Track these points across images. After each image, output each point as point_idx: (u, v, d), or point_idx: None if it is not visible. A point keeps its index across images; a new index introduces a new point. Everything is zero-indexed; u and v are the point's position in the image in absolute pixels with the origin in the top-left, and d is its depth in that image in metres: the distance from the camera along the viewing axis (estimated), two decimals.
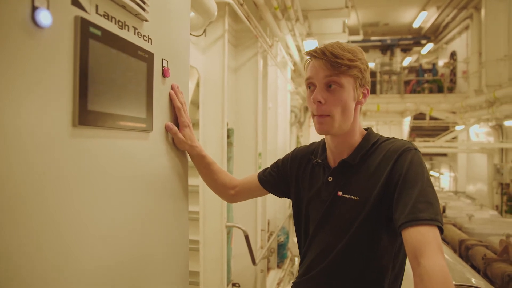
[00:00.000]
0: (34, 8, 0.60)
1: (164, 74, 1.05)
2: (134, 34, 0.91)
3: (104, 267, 0.80)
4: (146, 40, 0.96)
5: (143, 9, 0.92)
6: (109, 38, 0.79)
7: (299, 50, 5.10)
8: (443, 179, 12.74)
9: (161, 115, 1.05)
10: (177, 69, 1.15)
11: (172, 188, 1.13)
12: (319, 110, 0.99)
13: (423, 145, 8.70)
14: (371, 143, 1.06)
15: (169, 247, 1.11)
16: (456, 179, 11.66)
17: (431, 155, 13.28)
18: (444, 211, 4.38)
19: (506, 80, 8.05)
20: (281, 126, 4.92)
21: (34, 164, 0.62)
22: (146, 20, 0.95)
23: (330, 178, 1.07)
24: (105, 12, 0.80)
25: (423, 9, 11.60)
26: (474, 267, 3.08)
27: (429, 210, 0.85)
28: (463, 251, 3.27)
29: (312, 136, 13.87)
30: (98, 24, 0.76)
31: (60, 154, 0.67)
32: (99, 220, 0.78)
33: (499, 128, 8.46)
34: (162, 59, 1.05)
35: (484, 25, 9.09)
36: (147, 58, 0.95)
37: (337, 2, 4.01)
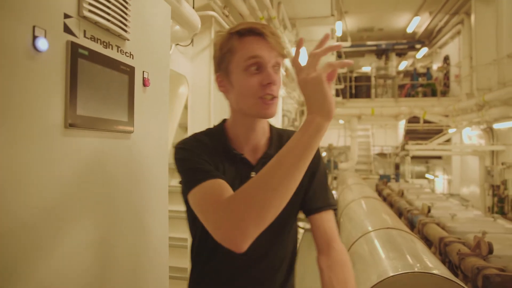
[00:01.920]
0: (34, 37, 0.79)
1: (145, 83, 1.24)
2: (117, 51, 1.10)
3: (86, 247, 0.98)
4: (128, 56, 1.15)
5: (125, 31, 1.11)
6: (95, 57, 0.98)
7: (290, 56, 5.29)
8: (437, 182, 12.90)
9: (142, 118, 1.23)
10: (158, 79, 1.34)
11: (152, 184, 1.32)
12: (275, 91, 0.90)
13: (415, 148, 8.87)
14: (278, 132, 1.06)
15: (148, 241, 1.29)
16: (451, 181, 11.82)
17: (426, 158, 13.44)
18: (429, 211, 4.54)
19: (495, 84, 8.24)
20: None
21: (34, 154, 0.80)
22: (128, 39, 1.14)
23: (253, 174, 0.96)
24: (91, 35, 0.99)
25: (416, 14, 11.84)
26: (451, 262, 3.25)
27: (333, 197, 1.03)
28: (442, 247, 3.44)
29: None
30: (86, 46, 0.95)
31: (54, 148, 0.86)
32: (85, 204, 0.96)
33: (489, 131, 8.64)
34: (143, 71, 1.24)
35: (474, 30, 9.31)
36: (129, 71, 1.14)
37: (323, 10, 4.21)
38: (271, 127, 1.05)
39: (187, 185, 0.85)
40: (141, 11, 1.23)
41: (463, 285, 1.81)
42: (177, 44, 2.40)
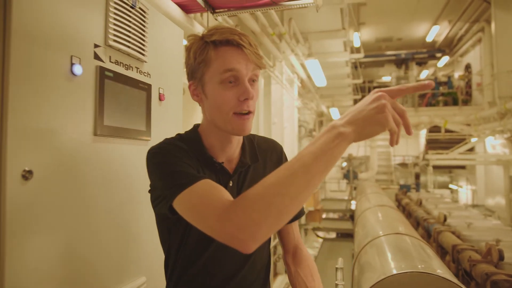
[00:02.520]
0: (72, 64, 1.00)
1: (160, 98, 1.44)
2: (137, 72, 1.31)
3: (109, 232, 1.18)
4: (146, 75, 1.36)
5: (143, 54, 1.32)
6: (118, 77, 1.19)
7: (304, 68, 5.47)
8: (461, 192, 12.60)
9: (158, 128, 1.43)
10: (171, 94, 1.54)
11: None
12: (251, 106, 0.88)
13: (436, 157, 8.79)
14: (249, 138, 1.05)
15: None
16: (476, 192, 11.54)
17: (449, 168, 13.19)
18: (445, 219, 4.55)
19: None
20: (287, 140, 5.25)
21: (69, 156, 1.01)
22: (145, 61, 1.35)
23: (231, 183, 0.95)
24: (115, 60, 1.20)
25: (435, 23, 11.80)
26: (464, 269, 3.28)
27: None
28: (455, 255, 3.47)
29: None
30: (111, 69, 1.16)
31: (85, 152, 1.06)
32: (109, 197, 1.16)
33: None
34: (159, 88, 1.44)
35: (495, 38, 9.22)
36: (146, 88, 1.34)
37: (334, 24, 4.38)
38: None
39: (172, 189, 0.78)
40: (157, 35, 1.44)
41: (462, 285, 1.89)
42: None
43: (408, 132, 0.71)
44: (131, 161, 1.27)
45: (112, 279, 1.18)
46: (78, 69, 1.02)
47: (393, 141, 0.70)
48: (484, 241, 3.67)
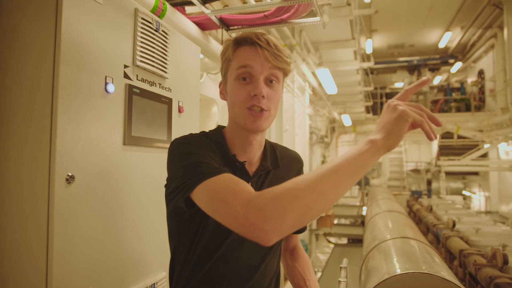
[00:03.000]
0: (106, 83, 1.17)
1: (180, 110, 1.60)
2: (159, 88, 1.47)
3: (136, 230, 1.33)
4: (167, 90, 1.52)
5: (164, 72, 1.48)
6: (144, 93, 1.35)
7: (315, 76, 5.60)
8: (475, 199, 12.48)
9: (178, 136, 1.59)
10: (190, 106, 1.70)
11: None
12: (264, 104, 0.88)
13: (447, 164, 8.77)
14: (271, 145, 1.07)
15: None
16: (489, 198, 11.43)
17: (463, 174, 13.08)
18: (454, 225, 4.61)
19: None
20: (298, 146, 5.38)
21: (102, 163, 1.17)
22: (167, 78, 1.51)
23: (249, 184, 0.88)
24: (142, 78, 1.36)
25: (447, 29, 11.80)
26: (471, 274, 3.35)
27: None
28: (462, 259, 3.53)
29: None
30: (138, 86, 1.32)
31: (116, 159, 1.22)
32: (135, 198, 1.32)
33: None
34: (178, 101, 1.60)
35: (507, 44, 9.19)
36: (168, 102, 1.50)
37: (344, 34, 4.51)
38: (266, 140, 1.04)
39: (194, 178, 0.78)
40: (176, 53, 1.60)
41: (462, 286, 1.99)
42: (208, 73, 2.79)
43: (437, 123, 0.74)
44: (154, 166, 1.43)
45: (136, 273, 1.33)
46: (111, 88, 1.18)
47: (429, 134, 0.72)
48: (490, 246, 3.73)
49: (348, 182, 0.69)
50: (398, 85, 15.48)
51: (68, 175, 1.04)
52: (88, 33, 1.12)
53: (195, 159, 0.82)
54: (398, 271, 2.07)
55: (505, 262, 2.95)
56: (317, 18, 1.93)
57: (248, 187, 0.74)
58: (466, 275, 3.45)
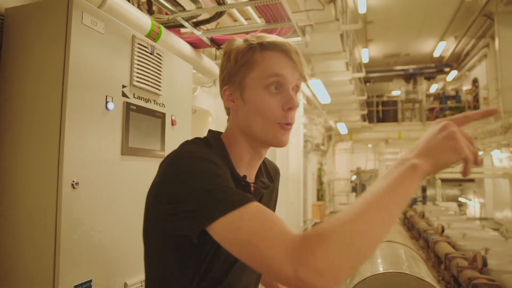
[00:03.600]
0: (106, 102, 1.35)
1: (173, 123, 1.78)
2: (154, 104, 1.65)
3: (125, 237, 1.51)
4: (161, 106, 1.70)
5: (159, 89, 1.67)
6: (140, 109, 1.53)
7: (309, 87, 5.80)
8: (470, 206, 12.61)
9: (170, 146, 1.77)
10: (182, 119, 1.88)
11: None
12: (294, 117, 0.82)
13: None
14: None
15: None
16: (484, 205, 11.57)
17: (459, 181, 13.22)
18: (443, 230, 4.77)
19: None
20: (292, 155, 5.54)
21: (103, 170, 1.35)
22: (161, 95, 1.69)
23: None
24: (138, 95, 1.54)
25: (442, 39, 12.06)
26: (453, 276, 3.50)
27: None
28: (447, 262, 3.69)
29: (338, 164, 14.36)
30: (134, 103, 1.50)
31: (115, 168, 1.40)
32: (132, 201, 1.50)
33: None
34: (171, 115, 1.78)
35: (499, 54, 9.42)
36: (161, 116, 1.69)
37: (334, 47, 4.71)
38: None
39: (216, 207, 0.63)
40: (170, 72, 1.79)
41: (437, 286, 2.14)
42: (202, 86, 2.98)
43: (476, 162, 0.65)
44: (148, 173, 1.61)
45: (124, 271, 1.50)
46: (111, 105, 1.37)
47: (467, 172, 0.64)
48: (477, 250, 3.88)
49: (397, 214, 0.61)
50: (395, 93, 15.70)
51: (73, 181, 1.22)
52: (92, 59, 1.30)
53: (214, 180, 0.67)
54: (381, 270, 2.23)
55: (485, 264, 3.11)
56: (299, 38, 2.12)
57: (283, 224, 0.61)
58: (451, 277, 3.60)
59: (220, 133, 0.88)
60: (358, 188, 10.28)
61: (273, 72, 0.78)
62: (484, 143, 9.70)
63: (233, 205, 0.62)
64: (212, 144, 0.83)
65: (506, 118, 8.39)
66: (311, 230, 0.59)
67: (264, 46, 0.80)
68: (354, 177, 13.17)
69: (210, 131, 0.88)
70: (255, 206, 0.63)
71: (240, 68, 0.81)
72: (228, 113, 0.88)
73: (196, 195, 0.65)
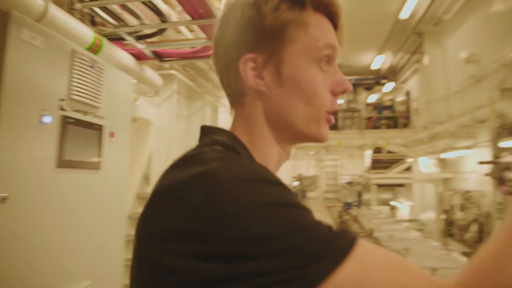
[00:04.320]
0: (42, 116, 1.38)
1: (111, 135, 1.82)
2: (92, 116, 1.69)
3: (68, 249, 1.53)
4: (100, 118, 1.74)
5: (98, 102, 1.70)
6: (77, 122, 1.56)
7: None
8: (402, 208, 13.66)
9: (107, 160, 1.80)
10: (121, 130, 1.92)
11: (113, 205, 1.88)
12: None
13: (375, 177, 9.62)
14: None
15: (107, 243, 1.84)
16: (413, 208, 12.59)
17: (392, 186, 14.25)
18: (372, 232, 5.16)
19: (445, 118, 9.19)
20: None
21: (37, 182, 1.37)
22: (100, 107, 1.73)
23: None
24: (76, 109, 1.58)
25: (380, 53, 12.97)
26: None
27: None
28: None
29: (281, 170, 14.68)
30: (72, 116, 1.54)
31: (49, 181, 1.43)
32: (68, 214, 1.53)
33: (441, 160, 9.50)
34: (110, 127, 1.82)
35: (428, 69, 10.39)
36: (100, 128, 1.72)
37: None
38: None
39: (321, 261, 0.37)
40: (110, 85, 1.83)
41: None
42: (146, 96, 3.01)
43: None
44: (84, 185, 1.64)
45: (62, 280, 1.52)
46: (47, 119, 1.39)
47: None
48: (397, 250, 4.30)
49: None
50: (339, 101, 16.49)
51: (1, 196, 1.23)
52: (29, 73, 1.33)
53: (304, 215, 0.40)
54: None
55: None
56: None
57: (417, 267, 0.42)
58: None
59: (227, 130, 0.59)
60: (299, 193, 10.67)
61: (330, 42, 0.55)
62: (413, 151, 10.59)
63: (342, 251, 0.38)
64: (237, 149, 0.52)
65: (432, 128, 9.26)
66: (460, 279, 0.40)
67: (316, 4, 0.55)
68: (296, 183, 13.63)
69: (217, 129, 0.57)
70: (365, 246, 0.40)
71: (277, 30, 0.53)
72: (235, 101, 0.59)
73: (282, 244, 0.37)
